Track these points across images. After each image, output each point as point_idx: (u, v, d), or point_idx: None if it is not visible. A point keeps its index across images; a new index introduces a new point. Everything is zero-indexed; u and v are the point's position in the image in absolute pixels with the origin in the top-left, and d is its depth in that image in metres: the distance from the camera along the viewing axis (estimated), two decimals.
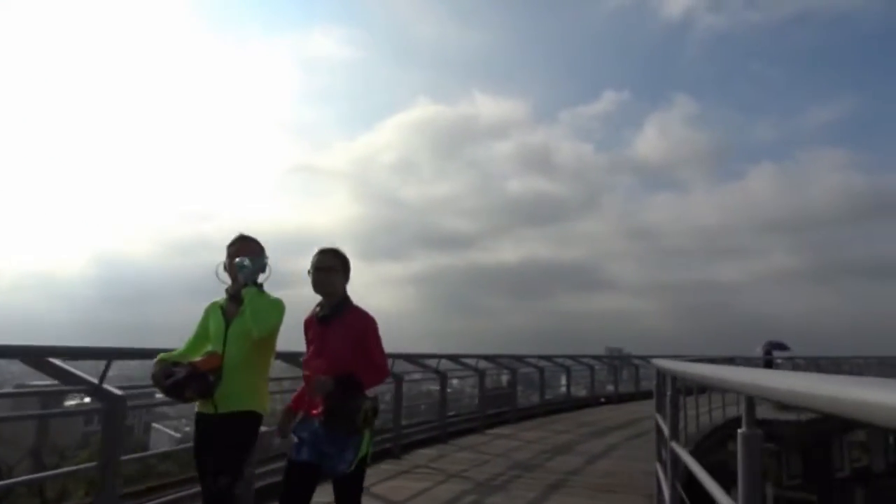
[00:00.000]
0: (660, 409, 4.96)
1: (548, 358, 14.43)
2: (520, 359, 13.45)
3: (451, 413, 10.60)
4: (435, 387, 10.04)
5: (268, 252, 3.20)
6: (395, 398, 8.02)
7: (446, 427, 9.31)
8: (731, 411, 10.97)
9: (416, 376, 9.73)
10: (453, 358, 10.47)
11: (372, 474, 6.08)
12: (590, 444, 9.27)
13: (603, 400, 16.44)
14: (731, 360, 15.24)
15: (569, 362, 15.38)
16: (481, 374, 10.89)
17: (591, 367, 16.51)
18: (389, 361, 7.52)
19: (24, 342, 3.75)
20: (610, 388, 18.11)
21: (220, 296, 3.17)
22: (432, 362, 9.56)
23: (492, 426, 10.76)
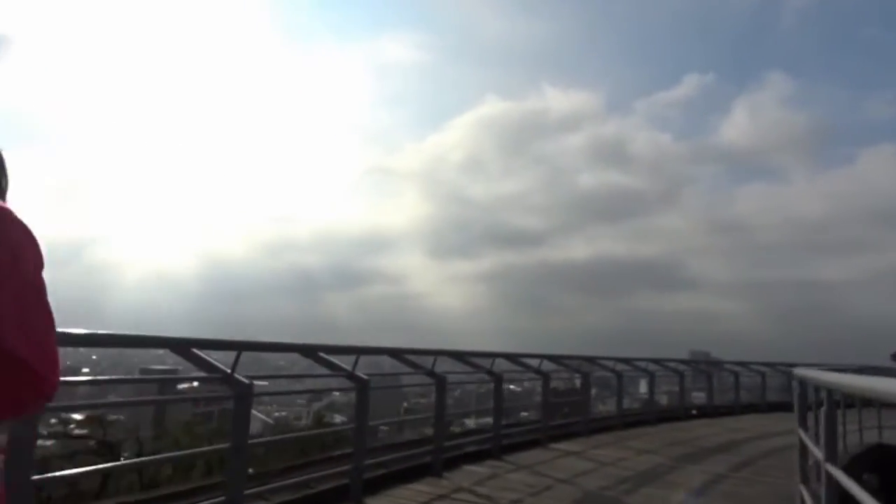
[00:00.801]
0: (805, 425, 4.63)
1: (626, 361, 12.63)
2: (592, 360, 11.74)
3: (508, 422, 9.31)
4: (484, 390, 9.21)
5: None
6: (437, 401, 7.03)
7: (501, 439, 7.96)
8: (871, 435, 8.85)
9: (462, 378, 8.96)
10: (512, 357, 9.34)
11: (403, 497, 5.56)
12: (684, 472, 7.40)
13: (694, 412, 14.50)
14: (859, 371, 13.96)
15: (652, 366, 13.33)
16: (545, 377, 9.62)
17: (680, 374, 14.29)
18: (431, 359, 7.30)
19: (155, 333, 4.38)
20: (698, 396, 15.79)
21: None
22: (485, 362, 8.43)
23: (557, 439, 9.28)
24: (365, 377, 5.63)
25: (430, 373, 7.02)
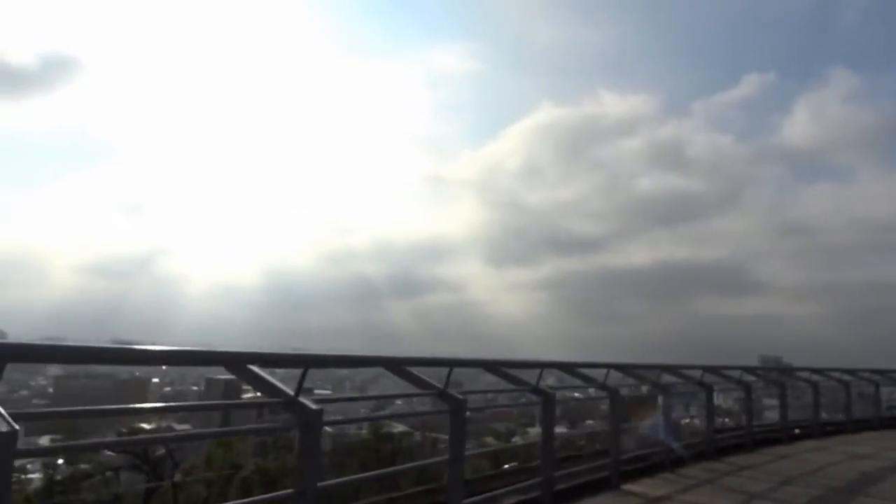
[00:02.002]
0: None
1: (820, 371, 12.09)
2: (788, 372, 11.53)
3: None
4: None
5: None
6: (611, 416, 7.05)
7: (715, 443, 8.34)
8: None
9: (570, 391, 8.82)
10: (713, 370, 9.47)
11: None
12: None
13: (797, 431, 12.13)
14: None
15: (747, 376, 11.29)
16: (747, 388, 9.63)
17: (781, 385, 12.09)
18: (602, 373, 7.12)
19: (211, 343, 3.60)
20: (771, 404, 12.99)
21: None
22: (694, 373, 8.72)
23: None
24: (549, 391, 5.65)
25: (536, 389, 6.12)
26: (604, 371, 7.72)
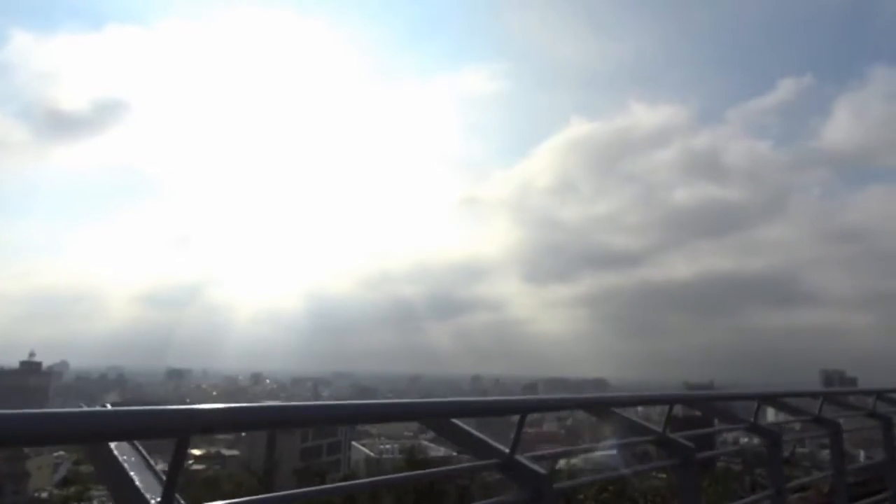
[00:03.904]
0: None
1: None
2: None
3: None
4: None
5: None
6: (886, 443, 6.04)
7: None
8: None
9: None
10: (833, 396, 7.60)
11: None
12: None
13: None
14: None
15: None
16: (887, 422, 7.55)
17: None
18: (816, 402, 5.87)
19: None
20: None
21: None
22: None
23: None
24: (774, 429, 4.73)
25: (755, 427, 5.16)
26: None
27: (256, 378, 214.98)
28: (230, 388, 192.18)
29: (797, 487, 6.08)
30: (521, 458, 2.91)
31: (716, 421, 5.18)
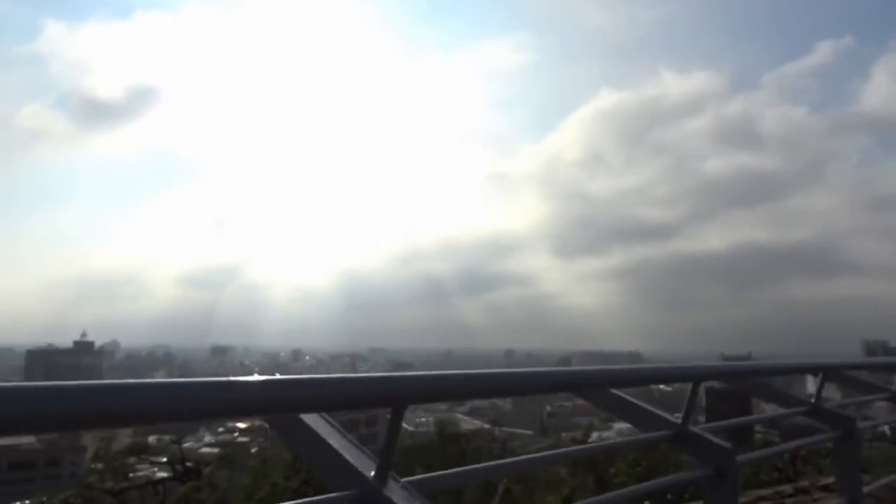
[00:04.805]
0: None
1: None
2: None
3: None
4: None
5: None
6: None
7: None
8: None
9: None
10: None
11: None
12: None
13: None
14: None
15: None
16: None
17: None
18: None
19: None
20: None
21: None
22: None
23: None
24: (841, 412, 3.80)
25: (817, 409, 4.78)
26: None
27: (296, 354, 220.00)
28: (271, 364, 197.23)
29: (880, 492, 4.25)
30: (697, 429, 2.65)
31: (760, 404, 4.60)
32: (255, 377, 1.62)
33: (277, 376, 1.67)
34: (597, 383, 2.68)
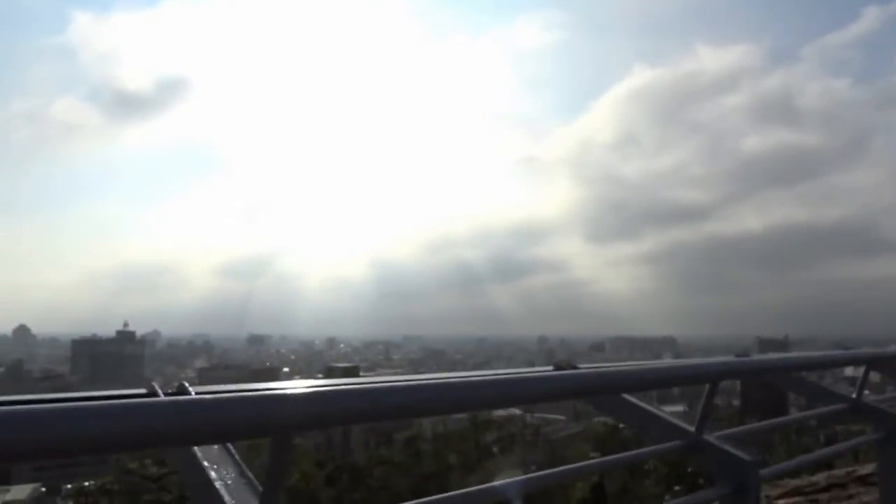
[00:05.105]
0: None
1: None
2: None
3: None
4: None
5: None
6: None
7: None
8: None
9: None
10: None
11: None
12: None
13: None
14: None
15: None
16: None
17: None
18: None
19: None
20: None
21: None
22: None
23: None
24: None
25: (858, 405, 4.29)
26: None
27: (331, 342, 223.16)
28: (307, 352, 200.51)
29: None
30: (712, 438, 2.33)
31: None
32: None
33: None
34: (604, 388, 2.38)
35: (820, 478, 4.13)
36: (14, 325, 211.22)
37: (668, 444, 2.33)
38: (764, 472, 2.36)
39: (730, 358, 2.83)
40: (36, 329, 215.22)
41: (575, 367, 2.37)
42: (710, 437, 2.33)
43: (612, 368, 2.39)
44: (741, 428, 2.70)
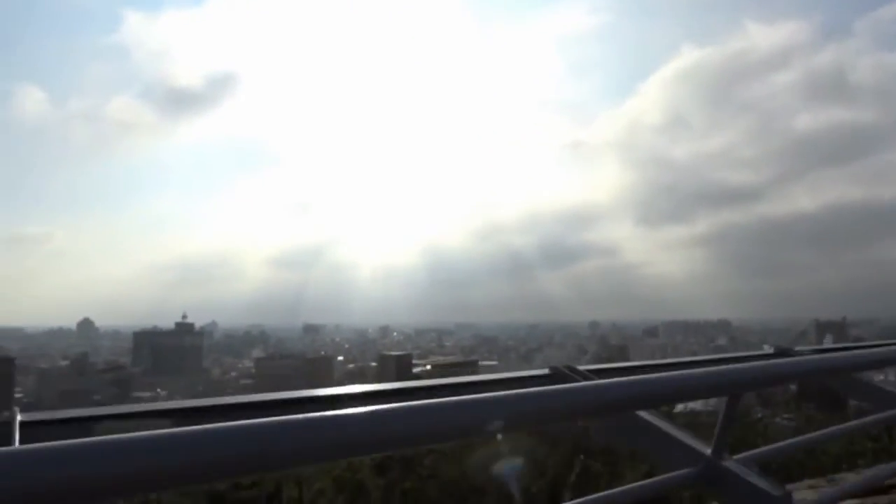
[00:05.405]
0: None
1: None
2: None
3: None
4: None
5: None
6: None
7: None
8: None
9: None
10: None
11: None
12: None
13: None
14: None
15: None
16: None
17: None
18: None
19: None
20: None
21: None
22: None
23: None
24: None
25: None
26: None
27: (384, 331, 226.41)
28: (360, 340, 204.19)
29: None
30: (733, 463, 1.92)
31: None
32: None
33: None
34: (619, 406, 1.98)
35: (880, 499, 3.43)
36: (78, 318, 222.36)
37: (674, 475, 1.94)
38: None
39: (755, 363, 2.38)
40: (99, 322, 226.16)
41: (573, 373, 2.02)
42: (731, 463, 1.92)
43: (625, 379, 1.98)
44: (772, 447, 2.24)
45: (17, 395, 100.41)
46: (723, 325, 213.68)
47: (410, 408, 1.40)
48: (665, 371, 3.22)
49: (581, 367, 2.50)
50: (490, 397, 1.51)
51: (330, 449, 1.31)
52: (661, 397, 2.13)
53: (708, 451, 1.95)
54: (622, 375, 2.87)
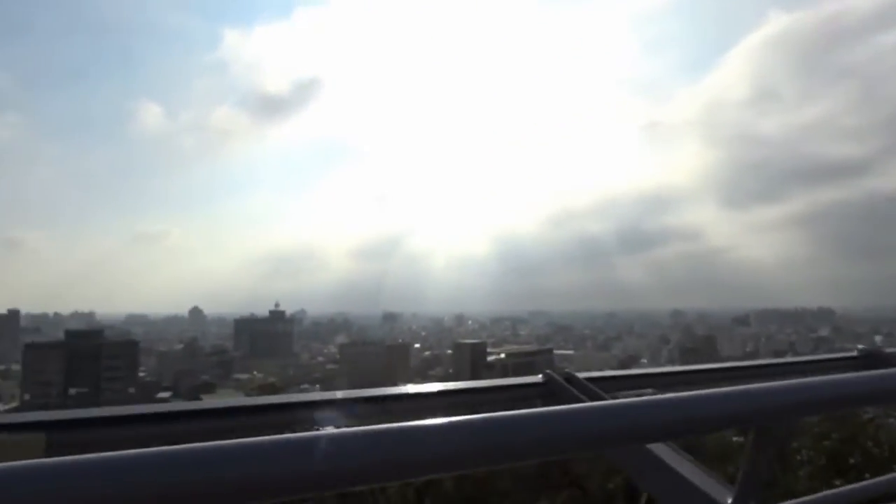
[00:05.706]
0: None
1: None
2: None
3: None
4: None
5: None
6: None
7: None
8: None
9: None
10: None
11: None
12: None
13: None
14: None
15: None
16: None
17: None
18: None
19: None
20: None
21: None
22: None
23: None
24: None
25: None
26: None
27: (459, 319, 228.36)
28: (436, 328, 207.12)
29: None
30: None
31: None
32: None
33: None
34: (626, 438, 2.03)
35: None
36: (189, 306, 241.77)
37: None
38: None
39: (789, 380, 2.17)
40: (207, 310, 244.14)
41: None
42: None
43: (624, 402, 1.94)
44: (811, 498, 2.08)
45: (141, 374, 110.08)
46: (824, 314, 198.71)
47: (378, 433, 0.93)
48: (684, 379, 2.88)
49: (581, 376, 2.34)
50: (462, 422, 1.00)
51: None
52: (665, 431, 1.72)
53: (729, 499, 1.84)
54: (630, 386, 2.70)
